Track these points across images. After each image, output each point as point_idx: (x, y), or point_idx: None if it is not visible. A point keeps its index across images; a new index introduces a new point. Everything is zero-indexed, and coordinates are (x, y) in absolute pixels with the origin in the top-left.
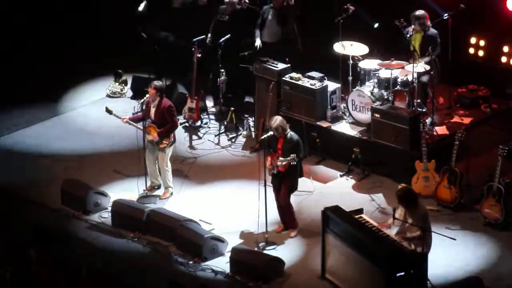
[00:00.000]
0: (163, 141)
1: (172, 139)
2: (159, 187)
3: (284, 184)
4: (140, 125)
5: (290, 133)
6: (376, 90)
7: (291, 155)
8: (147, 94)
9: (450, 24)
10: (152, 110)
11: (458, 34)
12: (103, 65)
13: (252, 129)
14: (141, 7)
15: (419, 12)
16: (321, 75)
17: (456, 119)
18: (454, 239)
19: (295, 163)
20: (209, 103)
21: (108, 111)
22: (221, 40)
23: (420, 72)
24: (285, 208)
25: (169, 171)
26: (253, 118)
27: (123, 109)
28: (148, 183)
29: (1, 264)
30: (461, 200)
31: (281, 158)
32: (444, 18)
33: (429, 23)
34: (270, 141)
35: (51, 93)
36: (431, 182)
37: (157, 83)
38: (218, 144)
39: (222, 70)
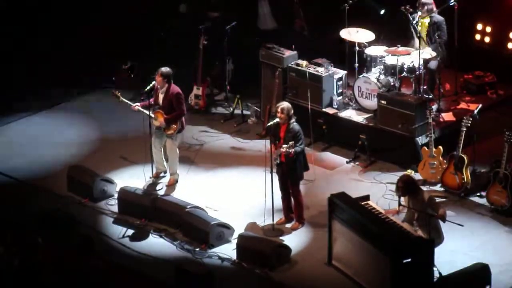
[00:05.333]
0: (170, 128)
1: (180, 126)
2: (165, 173)
3: (290, 183)
4: (149, 112)
5: (294, 123)
6: (382, 76)
7: (289, 143)
8: (153, 81)
9: (457, 10)
10: (161, 96)
11: (464, 20)
12: (109, 52)
13: (255, 114)
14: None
15: None
16: (327, 61)
17: (462, 105)
18: (462, 225)
19: (293, 150)
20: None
21: (116, 97)
22: (227, 27)
23: (426, 58)
24: (295, 200)
25: (177, 158)
26: (259, 104)
27: (130, 96)
28: (154, 170)
29: (9, 251)
30: (467, 186)
31: (284, 146)
32: (451, 4)
33: (435, 9)
34: (274, 128)
35: (58, 80)
36: (438, 168)
37: (164, 69)
38: (224, 130)
39: (229, 57)
